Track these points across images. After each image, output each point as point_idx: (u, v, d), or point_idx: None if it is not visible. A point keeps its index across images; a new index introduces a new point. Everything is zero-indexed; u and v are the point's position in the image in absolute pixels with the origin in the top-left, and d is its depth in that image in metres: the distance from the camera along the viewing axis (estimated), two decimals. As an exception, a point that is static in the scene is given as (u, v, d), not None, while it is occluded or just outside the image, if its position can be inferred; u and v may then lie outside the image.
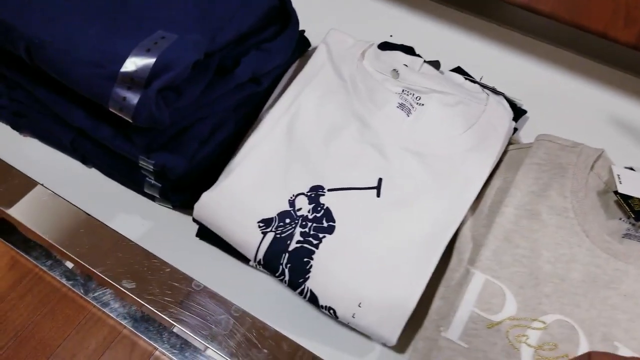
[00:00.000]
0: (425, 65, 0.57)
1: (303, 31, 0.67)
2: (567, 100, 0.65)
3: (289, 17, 0.58)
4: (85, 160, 0.59)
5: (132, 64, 0.43)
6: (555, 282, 0.46)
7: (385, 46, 0.66)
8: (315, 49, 0.60)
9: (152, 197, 0.56)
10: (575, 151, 0.51)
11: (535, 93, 0.64)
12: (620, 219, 0.49)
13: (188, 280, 0.53)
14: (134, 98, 0.44)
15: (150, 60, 0.43)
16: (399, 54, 0.58)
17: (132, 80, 0.43)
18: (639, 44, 0.62)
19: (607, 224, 0.49)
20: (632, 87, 0.66)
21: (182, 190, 0.54)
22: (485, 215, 0.51)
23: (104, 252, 0.55)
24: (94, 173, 0.59)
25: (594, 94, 0.66)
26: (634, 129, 0.62)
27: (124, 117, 0.45)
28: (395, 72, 0.56)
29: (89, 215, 0.57)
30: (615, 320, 0.44)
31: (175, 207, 0.57)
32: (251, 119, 0.58)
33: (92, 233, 0.56)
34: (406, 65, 0.57)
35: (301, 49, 0.64)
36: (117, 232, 0.56)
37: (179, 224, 0.56)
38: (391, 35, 0.70)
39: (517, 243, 0.48)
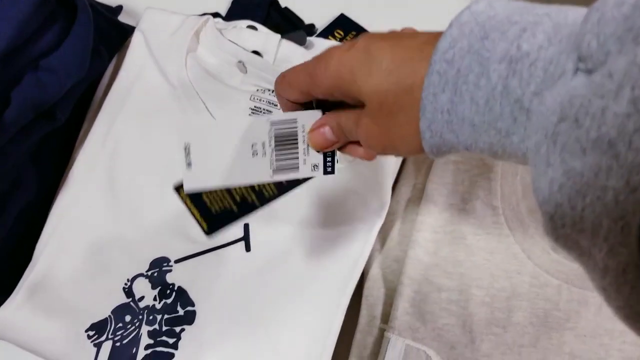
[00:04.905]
0: (285, 43, 0.40)
1: (118, 10, 0.48)
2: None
3: (75, 7, 0.39)
4: None
5: None
6: (495, 332, 0.34)
7: (236, 8, 0.48)
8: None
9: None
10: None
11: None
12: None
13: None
14: None
15: None
16: (246, 33, 0.40)
17: None
18: None
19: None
20: None
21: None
22: (395, 242, 0.38)
23: None
24: None
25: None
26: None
27: None
28: (241, 64, 0.39)
29: None
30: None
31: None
32: (64, 163, 0.42)
33: None
34: (257, 53, 0.39)
35: (114, 42, 0.45)
36: None
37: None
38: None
39: (441, 284, 0.35)
